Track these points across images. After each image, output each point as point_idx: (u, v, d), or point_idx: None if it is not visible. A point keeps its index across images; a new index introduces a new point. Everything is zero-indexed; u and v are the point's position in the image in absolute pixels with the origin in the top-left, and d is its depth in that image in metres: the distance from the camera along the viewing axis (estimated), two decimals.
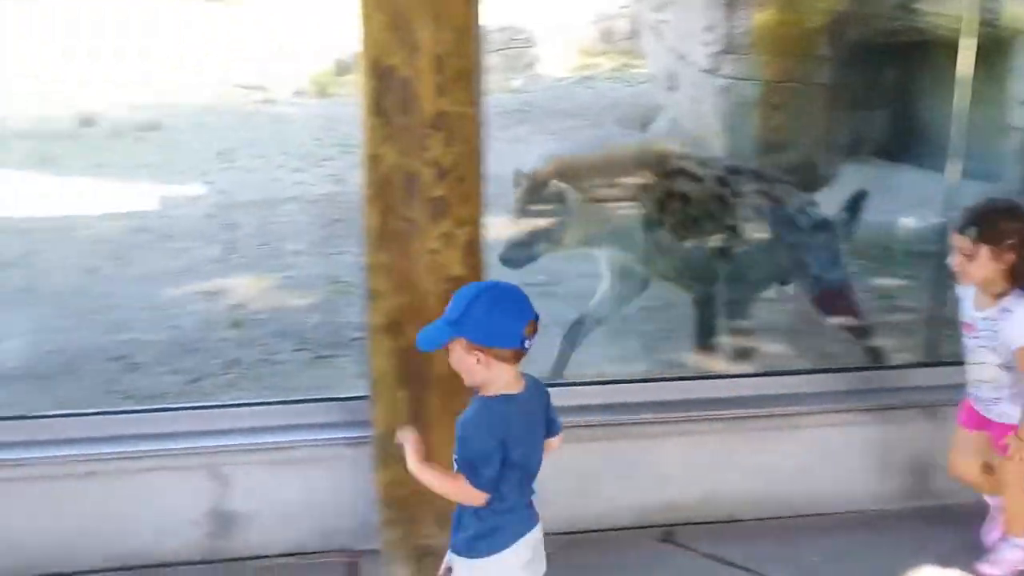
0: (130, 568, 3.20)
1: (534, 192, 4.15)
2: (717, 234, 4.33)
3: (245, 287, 5.61)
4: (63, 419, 3.31)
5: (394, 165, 2.75)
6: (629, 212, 4.30)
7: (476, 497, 2.31)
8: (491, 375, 2.28)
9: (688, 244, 4.35)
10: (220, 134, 9.90)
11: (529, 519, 2.41)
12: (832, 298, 4.43)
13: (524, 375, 2.37)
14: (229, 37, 15.95)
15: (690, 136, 7.34)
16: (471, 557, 2.37)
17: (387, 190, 2.78)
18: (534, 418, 2.38)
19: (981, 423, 3.20)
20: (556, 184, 4.12)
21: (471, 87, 2.81)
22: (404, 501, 2.89)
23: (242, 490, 3.25)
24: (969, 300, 3.13)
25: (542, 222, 4.16)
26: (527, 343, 2.27)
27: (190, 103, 11.38)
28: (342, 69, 12.67)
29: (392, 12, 2.68)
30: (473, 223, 2.85)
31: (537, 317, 2.30)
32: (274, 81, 13.09)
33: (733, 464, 3.53)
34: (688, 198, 4.27)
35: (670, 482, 3.50)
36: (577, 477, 3.27)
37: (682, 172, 4.34)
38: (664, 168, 4.36)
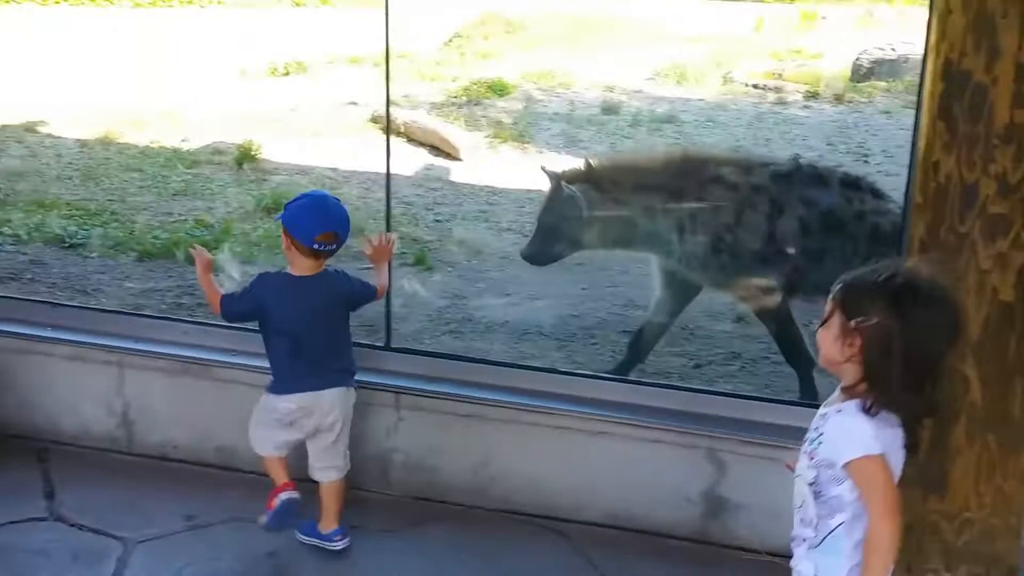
0: (623, 529, 3.40)
1: (554, 193, 4.26)
2: (751, 243, 4.13)
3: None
4: (583, 379, 3.60)
5: (953, 175, 2.61)
6: (666, 217, 4.15)
7: (215, 308, 3.15)
8: (291, 258, 3.07)
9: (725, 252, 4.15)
10: (731, 131, 10.08)
11: (300, 386, 3.10)
12: None
13: (327, 270, 3.11)
14: (743, 36, 16.12)
15: None
16: (265, 390, 3.19)
17: (941, 201, 2.64)
18: (317, 303, 3.08)
19: None
20: (567, 187, 4.17)
21: None
22: (910, 529, 2.74)
23: (737, 479, 3.30)
24: None
25: (561, 222, 4.24)
26: (318, 246, 3.00)
27: (704, 100, 11.72)
28: (861, 75, 12.25)
29: (975, 13, 2.53)
30: None
31: (339, 233, 3.01)
32: (787, 83, 12.99)
33: None
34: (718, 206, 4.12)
35: None
36: None
37: (718, 180, 4.13)
38: (700, 175, 4.16)
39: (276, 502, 3.19)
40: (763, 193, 4.12)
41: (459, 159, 8.57)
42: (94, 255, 5.48)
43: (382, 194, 7.46)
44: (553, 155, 8.94)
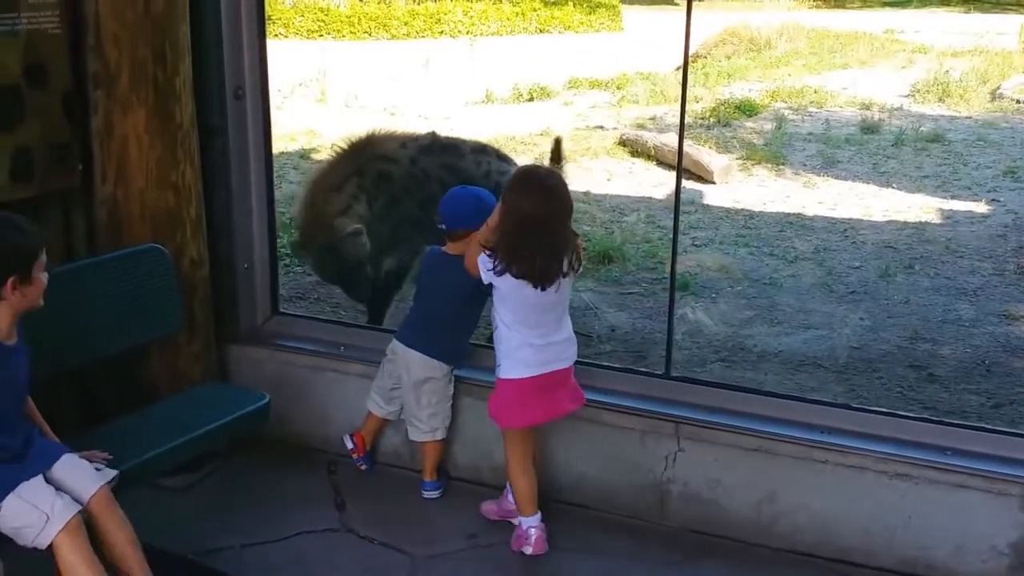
0: None
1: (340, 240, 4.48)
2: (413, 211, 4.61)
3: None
4: (879, 416, 3.40)
5: None
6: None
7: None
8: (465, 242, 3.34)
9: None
10: (1006, 151, 9.40)
11: (400, 332, 3.61)
12: None
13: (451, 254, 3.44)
14: (1009, 49, 15.03)
15: None
16: None
17: None
18: (446, 277, 3.44)
19: None
20: (342, 225, 4.46)
21: None
22: None
23: None
24: None
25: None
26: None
27: (971, 117, 11.03)
28: None
29: None
30: None
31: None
32: None
33: None
34: (391, 178, 4.61)
35: None
36: None
37: (384, 157, 4.64)
38: (371, 154, 4.63)
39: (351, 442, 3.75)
40: (414, 163, 4.66)
41: (712, 182, 8.43)
42: None
43: (633, 217, 7.44)
44: (811, 176, 8.64)
